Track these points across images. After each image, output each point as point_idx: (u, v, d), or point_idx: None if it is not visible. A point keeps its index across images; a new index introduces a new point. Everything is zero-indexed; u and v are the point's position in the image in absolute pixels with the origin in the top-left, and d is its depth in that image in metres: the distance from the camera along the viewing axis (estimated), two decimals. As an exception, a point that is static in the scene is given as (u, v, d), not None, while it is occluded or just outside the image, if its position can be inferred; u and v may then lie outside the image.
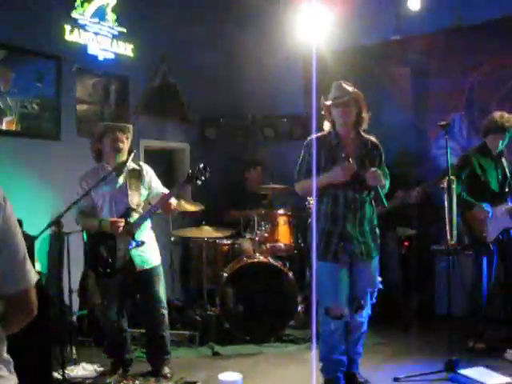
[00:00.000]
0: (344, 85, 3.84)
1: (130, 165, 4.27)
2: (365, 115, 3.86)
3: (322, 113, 3.94)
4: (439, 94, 6.51)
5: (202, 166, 4.10)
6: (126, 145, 4.22)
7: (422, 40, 6.51)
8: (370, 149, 3.89)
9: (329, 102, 3.83)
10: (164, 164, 6.72)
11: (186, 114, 6.80)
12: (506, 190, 4.84)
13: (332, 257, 3.75)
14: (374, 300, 3.96)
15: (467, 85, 6.33)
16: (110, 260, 4.12)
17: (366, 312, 3.93)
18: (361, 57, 6.66)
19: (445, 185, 4.25)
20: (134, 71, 6.13)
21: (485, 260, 4.75)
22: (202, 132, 6.92)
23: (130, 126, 4.30)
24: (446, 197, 4.25)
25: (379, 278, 3.98)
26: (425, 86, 6.61)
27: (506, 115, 4.80)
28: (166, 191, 4.34)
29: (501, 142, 4.77)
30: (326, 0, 5.61)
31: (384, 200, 3.76)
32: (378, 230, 3.93)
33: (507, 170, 4.88)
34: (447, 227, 4.21)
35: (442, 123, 4.29)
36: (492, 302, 4.92)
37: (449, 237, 4.21)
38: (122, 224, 4.06)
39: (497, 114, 4.82)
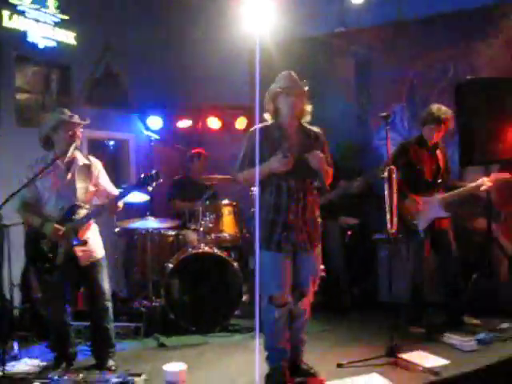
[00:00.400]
0: (293, 75, 3.87)
1: (80, 159, 4.19)
2: (308, 107, 3.91)
3: (266, 101, 3.91)
4: (382, 85, 6.66)
5: (154, 172, 4.07)
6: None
7: (366, 32, 6.65)
8: (312, 139, 3.92)
9: (279, 90, 3.81)
10: (108, 154, 6.63)
11: (130, 103, 6.73)
12: (439, 180, 5.02)
13: (275, 246, 3.78)
14: (316, 287, 4.03)
15: (409, 77, 6.49)
16: (50, 256, 4.04)
17: (309, 300, 3.98)
18: (306, 48, 6.74)
19: (385, 174, 4.34)
20: (76, 60, 6.01)
21: (417, 247, 4.91)
22: (146, 122, 6.84)
23: (87, 122, 4.21)
24: (386, 186, 4.33)
25: (321, 267, 4.06)
26: (368, 77, 6.75)
27: (443, 108, 4.95)
28: (114, 190, 4.30)
29: (436, 133, 4.94)
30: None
31: (325, 185, 3.82)
32: (319, 219, 3.98)
33: (441, 162, 5.05)
34: (387, 216, 4.30)
35: (383, 114, 4.38)
36: (428, 287, 5.10)
37: (389, 225, 4.29)
38: (62, 231, 3.99)
39: (434, 107, 4.98)
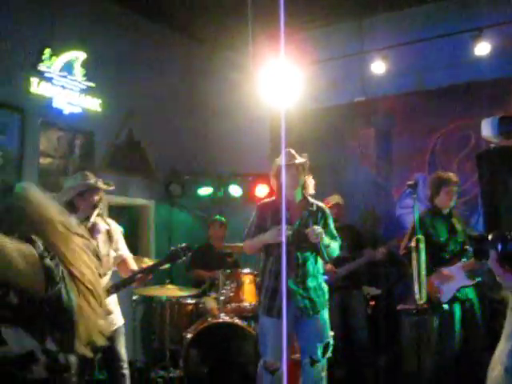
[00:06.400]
0: (292, 151, 4.16)
1: (101, 225, 4.10)
2: (310, 181, 4.20)
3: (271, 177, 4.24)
4: (403, 154, 6.65)
5: (184, 245, 4.06)
6: None
7: (386, 102, 6.70)
8: (314, 211, 4.14)
9: (280, 166, 4.08)
10: (128, 221, 6.60)
11: (150, 170, 6.76)
12: (458, 248, 4.87)
13: (276, 312, 3.95)
14: (330, 354, 4.03)
15: (429, 146, 6.50)
16: None
17: (322, 366, 4.00)
18: (327, 117, 6.80)
19: (413, 244, 4.26)
20: (100, 126, 6.08)
21: (443, 321, 4.75)
22: (166, 189, 6.85)
23: (112, 188, 4.20)
24: (414, 256, 4.24)
25: (330, 333, 4.07)
26: (388, 146, 6.76)
27: (449, 173, 4.98)
28: (129, 256, 4.24)
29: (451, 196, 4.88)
30: (295, 61, 5.71)
31: (326, 257, 4.06)
32: (324, 286, 4.12)
33: (458, 228, 4.92)
34: (416, 287, 4.18)
35: (410, 183, 4.35)
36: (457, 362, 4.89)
37: (417, 296, 4.17)
38: None
39: (439, 173, 5.03)
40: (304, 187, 4.17)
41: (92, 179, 4.07)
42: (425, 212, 5.03)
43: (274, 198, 4.26)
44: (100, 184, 4.07)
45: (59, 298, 1.99)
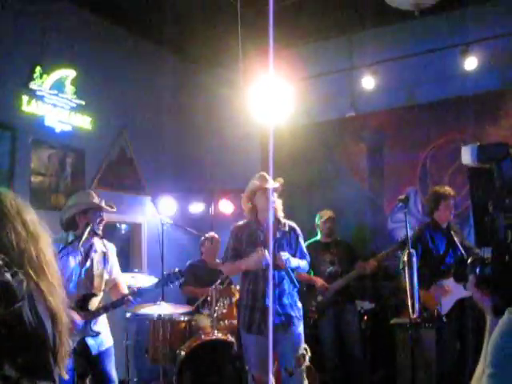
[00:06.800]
0: (266, 175, 4.33)
1: (98, 246, 4.10)
2: (279, 203, 4.35)
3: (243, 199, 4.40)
4: (394, 169, 6.68)
5: (177, 270, 4.19)
6: None
7: (377, 117, 6.74)
8: (286, 231, 4.34)
9: (256, 188, 4.24)
10: (120, 238, 6.58)
11: (142, 187, 6.75)
12: (457, 260, 4.89)
13: (256, 329, 4.13)
14: (308, 362, 4.17)
15: (421, 160, 6.52)
16: None
17: (301, 375, 4.12)
18: (317, 133, 6.82)
19: (405, 258, 4.25)
20: (91, 144, 6.07)
21: (441, 334, 4.74)
22: (158, 205, 6.83)
23: (114, 210, 4.19)
24: (406, 270, 4.23)
25: (304, 345, 4.21)
26: (380, 161, 6.78)
27: (446, 187, 5.04)
28: (122, 279, 4.26)
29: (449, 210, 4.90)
30: (285, 77, 5.74)
31: (294, 280, 4.24)
32: (299, 304, 4.31)
33: (457, 241, 4.94)
34: (409, 301, 4.18)
35: (402, 197, 4.35)
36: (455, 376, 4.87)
37: (411, 310, 4.16)
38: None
39: (436, 187, 5.01)
40: (276, 209, 4.31)
41: (96, 198, 4.06)
42: (424, 226, 5.07)
43: (247, 220, 4.39)
44: (103, 204, 4.07)
45: (19, 317, 1.79)
